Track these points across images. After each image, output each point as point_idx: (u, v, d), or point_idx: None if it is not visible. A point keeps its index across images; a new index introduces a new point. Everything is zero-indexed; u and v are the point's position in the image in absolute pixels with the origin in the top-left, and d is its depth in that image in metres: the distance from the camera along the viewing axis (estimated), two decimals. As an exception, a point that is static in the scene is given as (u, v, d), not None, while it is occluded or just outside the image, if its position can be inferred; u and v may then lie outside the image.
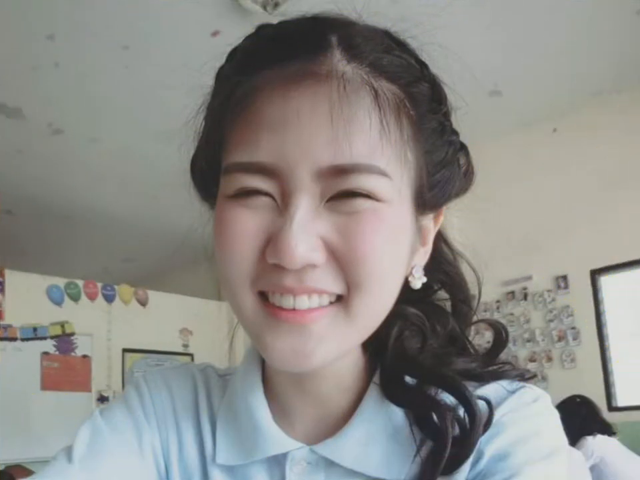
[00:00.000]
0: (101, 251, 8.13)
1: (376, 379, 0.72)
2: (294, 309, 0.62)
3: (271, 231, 0.61)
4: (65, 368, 5.87)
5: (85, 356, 6.02)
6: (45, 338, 5.76)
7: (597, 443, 3.91)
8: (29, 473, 4.61)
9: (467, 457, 0.65)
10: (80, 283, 6.10)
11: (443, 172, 0.68)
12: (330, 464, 0.71)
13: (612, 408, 4.79)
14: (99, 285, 6.26)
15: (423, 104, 0.65)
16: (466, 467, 0.65)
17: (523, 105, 5.10)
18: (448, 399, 0.68)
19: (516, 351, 5.33)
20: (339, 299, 0.63)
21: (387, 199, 0.61)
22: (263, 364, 0.78)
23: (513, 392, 0.70)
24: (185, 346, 6.88)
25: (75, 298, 6.02)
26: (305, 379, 0.72)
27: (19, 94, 4.72)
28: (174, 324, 6.78)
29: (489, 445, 0.66)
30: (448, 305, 0.78)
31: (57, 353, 5.84)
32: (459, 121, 0.72)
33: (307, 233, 0.59)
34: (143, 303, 6.56)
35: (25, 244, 7.40)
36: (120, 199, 6.66)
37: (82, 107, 4.92)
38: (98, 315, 6.14)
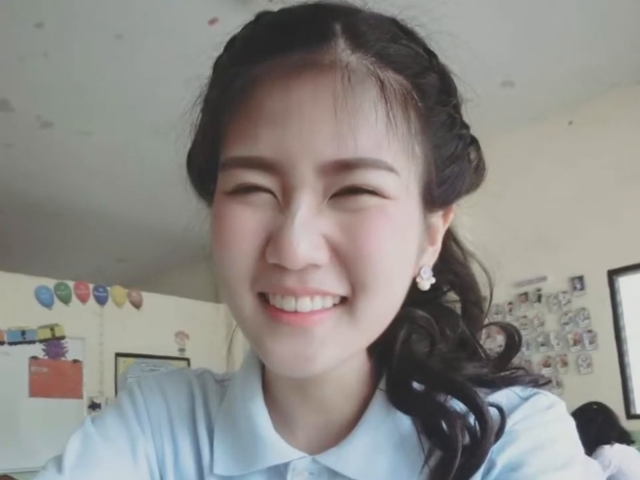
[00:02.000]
0: (93, 251, 8.15)
1: (382, 384, 0.72)
2: (296, 311, 0.62)
3: (271, 229, 0.61)
4: (55, 373, 5.88)
5: (75, 361, 6.02)
6: (33, 342, 5.76)
7: (614, 452, 3.92)
8: (18, 483, 4.62)
9: (477, 467, 0.65)
10: (70, 283, 6.10)
11: (452, 167, 0.67)
12: (333, 474, 0.71)
13: (630, 415, 4.79)
14: (91, 286, 6.26)
15: (431, 96, 0.65)
16: (477, 478, 0.65)
17: (537, 96, 5.10)
18: (458, 405, 0.68)
19: (529, 356, 5.33)
20: (343, 300, 0.63)
21: (393, 195, 0.61)
22: (263, 369, 0.78)
23: (526, 399, 0.70)
24: (181, 350, 6.89)
25: (66, 300, 6.02)
26: (307, 385, 0.72)
27: (6, 85, 4.72)
28: (169, 327, 6.78)
29: (501, 455, 0.66)
30: (458, 307, 0.78)
31: (46, 357, 5.84)
32: (469, 114, 0.72)
33: (309, 232, 0.59)
34: (137, 304, 6.56)
35: (12, 242, 7.41)
36: (113, 196, 6.67)
37: (72, 99, 4.92)
38: (89, 318, 6.14)
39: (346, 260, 0.61)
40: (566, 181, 5.19)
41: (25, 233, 7.38)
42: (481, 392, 0.68)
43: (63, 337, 5.91)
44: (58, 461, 0.73)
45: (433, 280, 0.71)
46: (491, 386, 0.71)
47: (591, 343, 5.11)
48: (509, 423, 0.67)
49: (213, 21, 4.04)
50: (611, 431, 4.06)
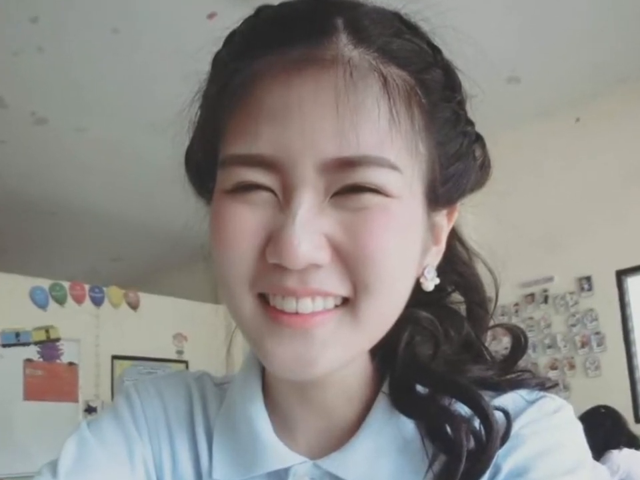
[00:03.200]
0: (89, 250, 8.14)
1: (385, 387, 0.72)
2: (296, 313, 0.62)
3: (271, 229, 0.61)
4: (50, 376, 5.88)
5: (71, 363, 6.02)
6: (27, 344, 5.76)
7: (623, 456, 3.91)
8: (12, 488, 4.62)
9: (482, 472, 0.65)
10: (66, 284, 6.10)
11: (457, 165, 0.67)
12: (335, 479, 0.71)
13: (639, 419, 4.79)
14: (87, 286, 6.26)
15: (435, 92, 0.65)
16: (482, 483, 0.65)
17: (543, 92, 5.10)
18: (462, 409, 0.68)
19: (536, 358, 5.32)
20: (345, 301, 0.63)
21: (396, 194, 0.61)
22: (263, 372, 0.78)
23: (533, 402, 0.70)
24: (179, 352, 6.89)
25: (61, 300, 6.02)
26: (308, 388, 0.72)
27: (0, 81, 4.72)
28: (167, 329, 6.78)
29: (507, 459, 0.66)
30: (462, 309, 0.78)
31: (41, 360, 5.84)
32: (474, 110, 0.72)
33: (311, 231, 0.59)
34: (134, 306, 6.56)
35: (6, 242, 7.41)
36: (109, 194, 6.66)
37: (67, 95, 4.92)
38: (85, 319, 6.14)
39: (348, 260, 0.61)
40: (573, 179, 5.18)
41: (19, 231, 7.37)
42: (486, 395, 0.68)
43: (58, 339, 5.92)
44: (53, 466, 0.73)
45: (437, 280, 0.71)
46: (497, 389, 0.71)
47: (599, 345, 5.10)
48: (515, 427, 0.67)
49: (211, 16, 4.03)
50: (620, 435, 4.06)
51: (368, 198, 0.60)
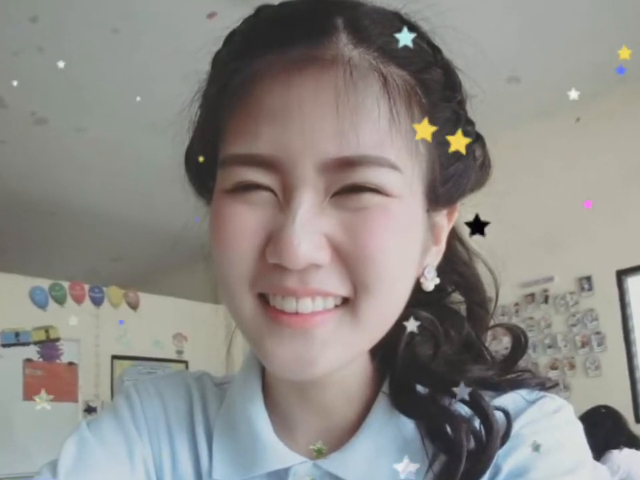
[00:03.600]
0: (89, 250, 8.14)
1: (385, 387, 0.72)
2: (296, 313, 0.62)
3: (271, 229, 0.61)
4: (50, 376, 5.88)
5: (71, 363, 6.02)
6: (27, 344, 5.76)
7: (623, 456, 3.91)
8: (11, 488, 4.61)
9: (483, 472, 0.65)
10: (65, 284, 6.10)
11: (457, 165, 0.67)
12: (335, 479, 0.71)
13: (639, 419, 4.78)
14: (86, 286, 6.26)
15: (435, 91, 0.65)
16: (482, 483, 0.65)
17: (544, 92, 5.09)
18: (462, 409, 0.68)
19: (536, 358, 5.32)
20: (345, 301, 0.63)
21: (396, 193, 0.61)
22: (263, 372, 0.78)
23: (533, 402, 0.70)
24: (179, 352, 6.89)
25: (61, 300, 6.02)
26: (308, 388, 0.72)
27: (0, 81, 4.72)
28: (167, 329, 6.78)
29: (507, 459, 0.66)
30: (463, 309, 0.78)
31: (41, 359, 5.84)
32: (474, 110, 0.72)
33: (311, 231, 0.59)
34: (134, 306, 6.56)
35: (6, 242, 7.40)
36: (109, 194, 6.66)
37: (67, 95, 4.92)
38: (85, 319, 6.13)
39: (348, 260, 0.61)
40: (573, 179, 5.18)
41: (19, 231, 7.37)
42: (486, 395, 0.68)
43: (57, 339, 5.91)
44: (52, 466, 0.73)
45: (437, 280, 0.71)
46: (497, 389, 0.71)
47: (599, 345, 5.10)
48: (515, 426, 0.67)
49: (211, 15, 4.03)
50: (620, 435, 4.06)
51: (368, 198, 0.60)
